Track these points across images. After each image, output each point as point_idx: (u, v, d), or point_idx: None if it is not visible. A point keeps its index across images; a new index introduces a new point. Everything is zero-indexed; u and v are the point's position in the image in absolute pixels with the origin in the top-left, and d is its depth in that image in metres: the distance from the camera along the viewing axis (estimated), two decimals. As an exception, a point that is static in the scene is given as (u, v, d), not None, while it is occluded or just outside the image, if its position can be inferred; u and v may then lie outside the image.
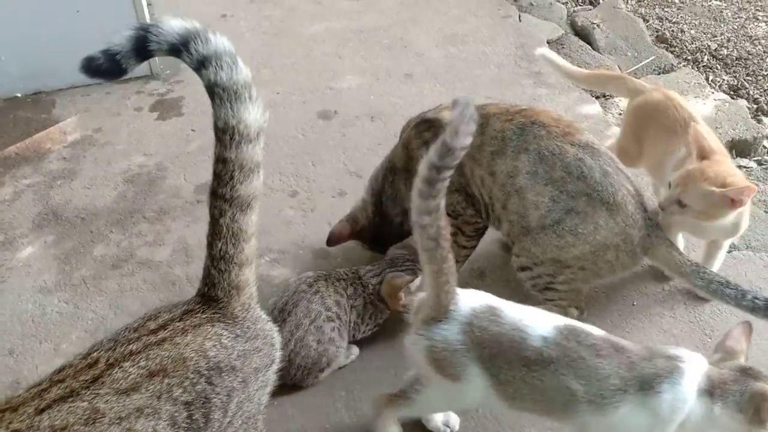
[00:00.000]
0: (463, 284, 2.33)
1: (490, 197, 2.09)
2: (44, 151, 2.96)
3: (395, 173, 2.29)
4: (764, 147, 2.96)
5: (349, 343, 2.08)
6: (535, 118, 2.04)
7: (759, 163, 2.89)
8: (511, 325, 1.58)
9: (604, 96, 3.19)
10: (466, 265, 2.35)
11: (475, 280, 2.37)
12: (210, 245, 1.38)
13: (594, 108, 3.07)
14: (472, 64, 3.36)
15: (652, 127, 2.29)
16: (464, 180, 2.13)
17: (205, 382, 1.32)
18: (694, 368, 1.54)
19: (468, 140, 1.44)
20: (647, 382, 1.51)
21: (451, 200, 2.16)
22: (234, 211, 1.36)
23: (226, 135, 1.33)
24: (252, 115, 1.36)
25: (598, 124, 2.97)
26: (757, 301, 1.81)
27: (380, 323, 2.13)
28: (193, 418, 1.32)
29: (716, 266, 2.21)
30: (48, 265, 2.46)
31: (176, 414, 1.29)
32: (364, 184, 2.68)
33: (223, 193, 1.35)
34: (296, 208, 2.67)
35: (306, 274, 2.09)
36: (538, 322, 1.59)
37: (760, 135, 2.93)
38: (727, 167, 1.97)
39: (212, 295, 1.39)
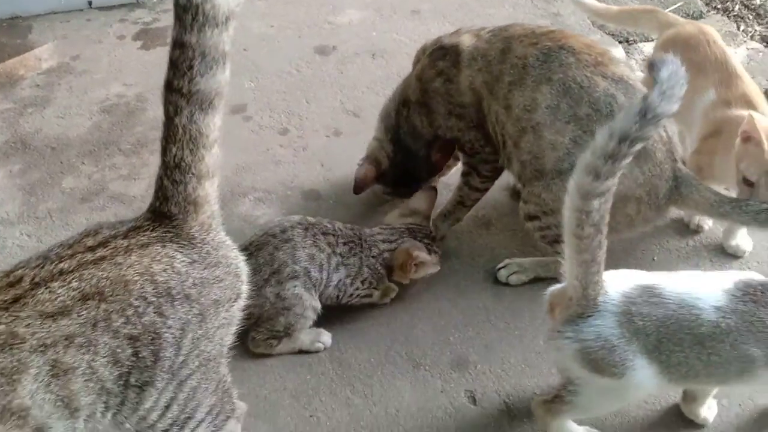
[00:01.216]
0: (467, 233, 2.19)
1: (502, 134, 1.85)
2: (17, 78, 2.73)
3: (409, 107, 2.04)
4: (800, 100, 2.70)
5: (332, 307, 1.82)
6: (564, 42, 1.77)
7: (793, 117, 2.64)
8: (677, 303, 1.35)
9: (627, 41, 2.93)
10: (470, 213, 2.13)
11: (480, 229, 2.16)
12: (164, 150, 1.15)
13: (617, 52, 2.80)
14: (486, 2, 3.09)
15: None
16: (482, 116, 1.89)
17: (154, 312, 1.11)
18: None
19: (676, 107, 1.18)
20: None
21: (469, 137, 1.94)
22: (192, 109, 1.13)
23: (187, 14, 1.10)
24: (223, -6, 1.13)
25: (620, 69, 2.72)
26: None
27: (371, 295, 1.87)
28: (140, 355, 1.11)
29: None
30: (12, 196, 2.25)
31: (118, 349, 1.09)
32: (361, 124, 2.47)
33: (179, 86, 1.12)
34: (286, 146, 2.44)
35: (289, 217, 1.86)
36: (706, 291, 1.37)
37: (795, 86, 2.67)
38: None
39: (165, 211, 1.16)
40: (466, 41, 1.92)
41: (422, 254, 1.82)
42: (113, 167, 2.35)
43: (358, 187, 2.07)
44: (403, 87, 2.09)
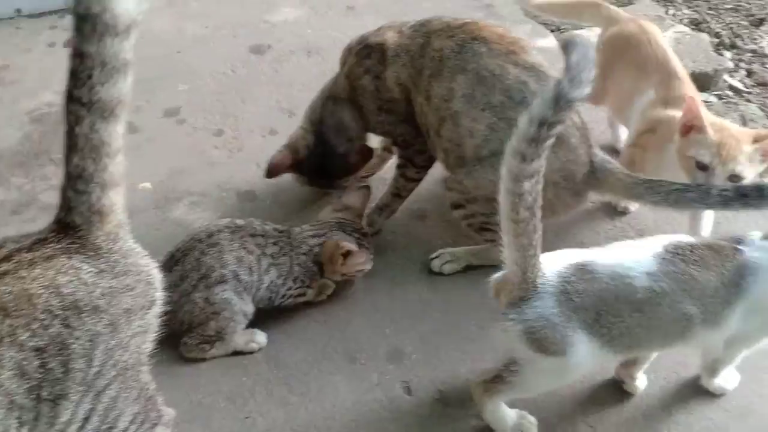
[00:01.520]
0: (403, 226, 2.21)
1: (425, 125, 1.88)
2: (-58, 90, 2.67)
3: (336, 103, 2.06)
4: (724, 81, 2.78)
5: (268, 309, 1.82)
6: (477, 34, 1.82)
7: (719, 97, 2.73)
8: (610, 276, 1.40)
9: (559, 29, 2.98)
10: (406, 206, 2.15)
11: (415, 221, 2.18)
12: (66, 160, 1.14)
13: (549, 41, 2.85)
14: (420, -5, 3.11)
15: (621, 62, 2.08)
16: (411, 109, 1.92)
17: (60, 324, 1.10)
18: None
19: (588, 89, 1.23)
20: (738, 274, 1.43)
21: (401, 130, 1.98)
22: (93, 118, 1.12)
23: (86, 23, 1.09)
24: (123, 4, 1.12)
25: (554, 58, 2.75)
26: (725, 193, 1.59)
27: (305, 294, 1.86)
28: (48, 367, 1.10)
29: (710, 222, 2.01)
30: (-61, 211, 2.20)
31: (24, 362, 1.08)
32: (297, 123, 2.45)
33: (79, 95, 1.11)
34: (221, 147, 2.43)
35: (217, 221, 1.86)
36: (637, 259, 1.42)
37: (721, 68, 2.75)
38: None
39: (70, 222, 1.16)
40: (390, 38, 1.94)
41: (349, 244, 1.83)
42: (44, 178, 2.31)
43: (270, 171, 2.09)
44: (332, 84, 2.10)
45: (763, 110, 2.68)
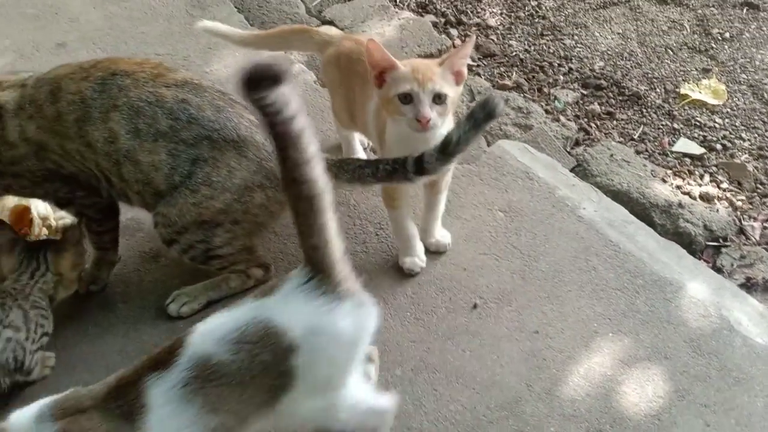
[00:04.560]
0: (134, 272, 2.02)
1: (101, 171, 1.73)
2: None
3: None
4: (452, 58, 2.88)
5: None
6: (115, 68, 1.72)
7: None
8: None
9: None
10: (135, 247, 1.99)
11: (148, 264, 2.03)
12: None
13: (276, 47, 2.80)
14: (138, 21, 2.93)
15: (348, 79, 2.03)
16: (52, 163, 1.75)
17: None
18: None
19: None
20: None
21: (47, 190, 1.79)
22: None
23: None
24: None
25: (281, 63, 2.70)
26: (389, 166, 1.68)
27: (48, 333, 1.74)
28: None
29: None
30: None
31: None
32: None
33: None
34: None
35: None
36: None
37: (444, 47, 2.85)
38: None
39: None
40: (6, 95, 1.75)
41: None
42: None
43: None
44: None
45: (490, 81, 2.80)
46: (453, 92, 1.71)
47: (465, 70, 1.74)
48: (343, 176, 1.75)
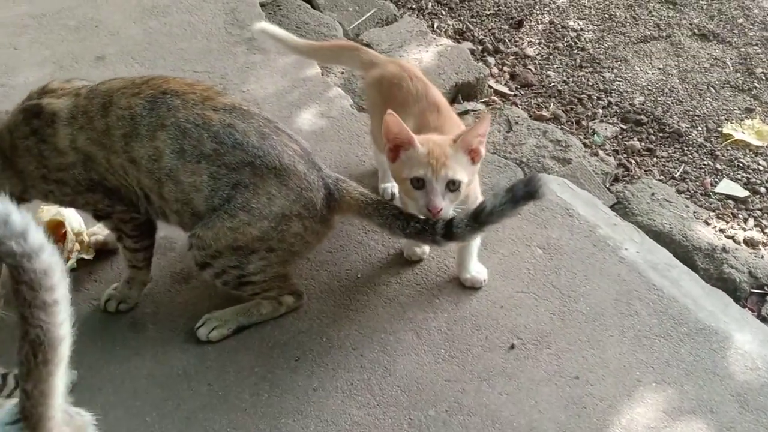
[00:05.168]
0: (165, 293, 1.98)
1: (141, 188, 1.71)
2: None
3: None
4: (489, 87, 2.85)
5: None
6: (166, 87, 1.70)
7: (486, 104, 2.78)
8: None
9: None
10: (166, 267, 1.96)
11: (179, 285, 2.00)
12: None
13: (313, 70, 2.78)
14: (177, 37, 2.93)
15: (387, 103, 2.01)
16: (97, 174, 1.73)
17: None
18: None
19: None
20: None
21: (88, 200, 1.77)
22: None
23: None
24: None
25: (317, 86, 2.69)
26: (419, 225, 1.67)
27: None
28: None
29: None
30: None
31: None
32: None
33: None
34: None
35: None
36: None
37: (482, 75, 2.81)
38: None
39: None
40: (55, 103, 1.74)
41: None
42: None
43: None
44: None
45: (527, 111, 2.77)
46: (468, 176, 1.69)
47: (483, 150, 1.71)
48: (375, 219, 1.77)
